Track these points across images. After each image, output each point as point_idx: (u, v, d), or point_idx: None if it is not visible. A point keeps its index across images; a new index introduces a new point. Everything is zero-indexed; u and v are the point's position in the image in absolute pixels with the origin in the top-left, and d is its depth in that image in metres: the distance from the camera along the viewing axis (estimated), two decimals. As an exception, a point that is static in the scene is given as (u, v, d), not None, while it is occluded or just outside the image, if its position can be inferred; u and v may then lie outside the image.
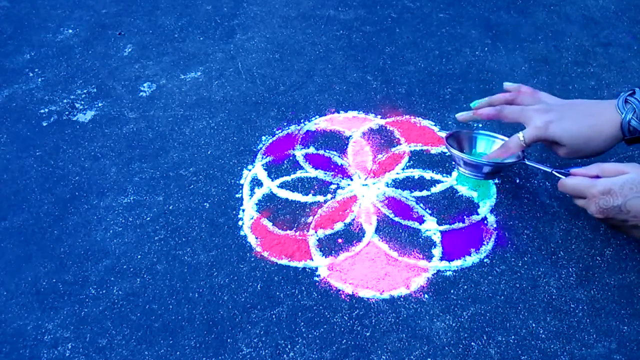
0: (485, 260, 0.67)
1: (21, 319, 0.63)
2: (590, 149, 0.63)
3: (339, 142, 0.84)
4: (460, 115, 0.72)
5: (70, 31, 1.13)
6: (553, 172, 0.65)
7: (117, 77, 0.99)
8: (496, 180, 0.76)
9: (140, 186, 0.78)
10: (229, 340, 0.60)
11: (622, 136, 0.62)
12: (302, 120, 0.88)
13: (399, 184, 0.77)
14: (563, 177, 0.63)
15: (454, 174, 0.77)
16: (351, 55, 1.01)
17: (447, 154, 0.80)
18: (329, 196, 0.75)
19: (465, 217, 0.72)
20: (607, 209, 0.56)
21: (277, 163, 0.80)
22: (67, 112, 0.92)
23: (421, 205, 0.73)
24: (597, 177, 0.59)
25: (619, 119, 0.61)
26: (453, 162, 0.76)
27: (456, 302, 0.63)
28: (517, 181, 0.76)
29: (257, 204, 0.75)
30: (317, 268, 0.67)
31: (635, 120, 0.60)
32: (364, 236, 0.70)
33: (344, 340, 0.60)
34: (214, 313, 0.63)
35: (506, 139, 0.69)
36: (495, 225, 0.70)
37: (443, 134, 0.84)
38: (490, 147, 0.73)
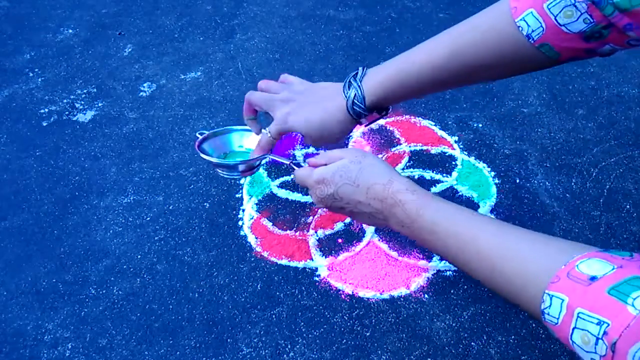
0: (485, 260, 0.67)
1: (21, 319, 0.63)
2: (327, 135, 0.61)
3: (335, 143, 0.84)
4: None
5: (71, 31, 1.13)
6: (290, 164, 0.63)
7: (117, 77, 0.99)
8: (495, 180, 0.76)
9: (140, 186, 0.78)
10: (229, 340, 0.60)
11: (352, 119, 0.60)
12: (302, 120, 0.87)
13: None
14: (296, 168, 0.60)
15: (454, 174, 0.77)
16: (351, 55, 1.01)
17: (446, 154, 0.80)
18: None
19: (465, 217, 0.71)
20: (323, 198, 0.55)
21: (277, 163, 0.80)
22: (67, 112, 0.92)
23: (421, 205, 0.73)
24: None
25: (345, 102, 0.59)
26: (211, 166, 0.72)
27: (456, 302, 0.63)
28: (517, 181, 0.76)
29: (257, 204, 0.75)
30: (317, 268, 0.67)
31: (357, 103, 0.58)
32: (364, 236, 0.70)
33: (344, 340, 0.60)
34: (214, 313, 0.63)
35: (265, 130, 0.65)
36: (495, 225, 0.70)
37: (445, 134, 0.84)
38: (245, 139, 0.70)
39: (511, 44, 0.50)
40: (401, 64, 0.57)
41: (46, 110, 0.93)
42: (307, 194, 0.76)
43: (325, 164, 0.56)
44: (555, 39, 0.48)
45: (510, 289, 0.42)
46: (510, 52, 0.51)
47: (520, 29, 0.49)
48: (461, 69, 0.54)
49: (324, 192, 0.55)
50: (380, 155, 0.81)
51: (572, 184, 0.75)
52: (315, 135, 0.61)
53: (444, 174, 0.77)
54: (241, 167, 0.66)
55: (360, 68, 0.59)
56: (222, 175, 0.67)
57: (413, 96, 0.60)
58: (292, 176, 0.60)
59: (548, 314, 0.38)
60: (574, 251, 0.39)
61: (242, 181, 0.78)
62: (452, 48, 0.54)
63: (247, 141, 0.70)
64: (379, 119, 0.61)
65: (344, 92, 0.59)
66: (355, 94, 0.58)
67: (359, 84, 0.58)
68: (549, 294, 0.37)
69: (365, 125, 0.63)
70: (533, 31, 0.48)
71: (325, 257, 0.68)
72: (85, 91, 0.97)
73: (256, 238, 0.70)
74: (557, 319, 0.37)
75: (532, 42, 0.49)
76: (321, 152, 0.64)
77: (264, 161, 0.66)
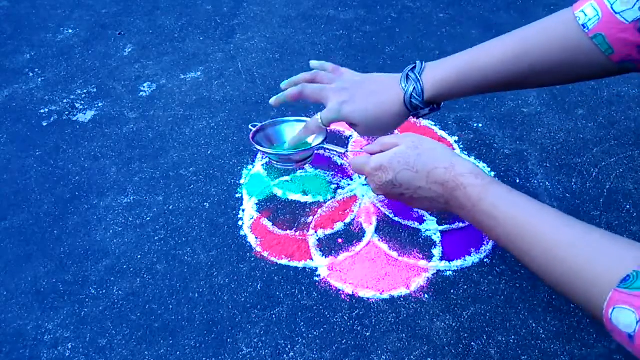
0: (485, 260, 0.67)
1: (21, 319, 0.63)
2: (383, 127, 0.62)
3: (339, 142, 0.84)
4: (273, 100, 0.68)
5: (70, 31, 1.13)
6: (347, 152, 0.65)
7: (117, 77, 0.99)
8: (494, 177, 0.76)
9: (140, 186, 0.78)
10: (229, 340, 0.60)
11: (408, 112, 0.61)
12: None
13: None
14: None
15: None
16: (351, 55, 1.01)
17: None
18: (329, 196, 0.75)
19: (465, 217, 0.72)
20: (382, 185, 0.55)
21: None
22: (67, 112, 0.92)
23: (421, 205, 0.73)
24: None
25: (402, 95, 0.60)
26: (266, 158, 0.74)
27: (456, 302, 0.63)
28: (517, 181, 0.76)
29: (257, 204, 0.75)
30: (317, 268, 0.67)
31: (416, 96, 0.59)
32: (364, 236, 0.70)
33: (344, 340, 0.60)
34: (214, 313, 0.63)
35: (316, 115, 0.66)
36: (495, 225, 0.70)
37: (445, 134, 0.84)
38: (297, 130, 0.69)
39: (568, 37, 0.51)
40: (464, 63, 0.58)
41: (46, 110, 0.93)
42: (306, 194, 0.76)
43: (381, 151, 0.56)
44: (610, 28, 0.48)
45: (571, 283, 0.41)
46: (568, 48, 0.51)
47: (578, 19, 0.50)
48: (523, 70, 0.55)
49: (382, 179, 0.55)
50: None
51: (572, 184, 0.75)
52: (369, 126, 0.62)
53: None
54: (296, 157, 0.67)
55: (418, 62, 0.60)
56: (276, 166, 0.69)
57: (470, 94, 0.60)
58: (347, 164, 0.60)
59: (616, 319, 0.37)
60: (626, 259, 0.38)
61: (241, 181, 0.78)
62: (516, 48, 0.55)
63: (288, 132, 0.71)
64: (432, 112, 0.62)
65: (401, 84, 0.60)
66: (414, 88, 0.59)
67: (419, 77, 0.58)
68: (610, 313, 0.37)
69: (418, 118, 0.63)
70: (589, 20, 0.49)
71: (325, 257, 0.68)
72: (85, 91, 0.97)
73: (256, 238, 0.70)
74: (634, 328, 0.36)
75: (587, 31, 0.49)
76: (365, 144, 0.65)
77: (321, 151, 0.67)
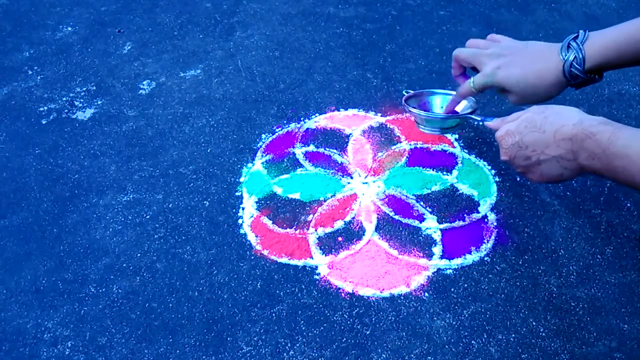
0: (485, 259, 0.67)
1: (21, 317, 0.63)
2: (538, 95, 0.61)
3: (339, 140, 0.83)
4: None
5: (70, 29, 1.13)
6: (485, 122, 0.64)
7: (116, 75, 0.99)
8: (496, 178, 0.76)
9: (140, 184, 0.78)
10: (228, 338, 0.60)
11: (566, 81, 0.60)
12: (302, 118, 0.87)
13: (399, 181, 0.76)
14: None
15: (455, 172, 0.77)
16: (351, 53, 1.01)
17: (446, 152, 0.80)
18: (329, 194, 0.75)
19: (465, 215, 0.71)
20: (508, 149, 0.57)
21: (277, 161, 0.80)
22: (66, 110, 0.92)
23: (421, 203, 0.73)
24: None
25: (562, 64, 0.59)
26: (415, 122, 0.77)
27: (456, 301, 0.62)
28: (518, 179, 0.76)
29: (257, 202, 0.75)
30: (317, 266, 0.67)
31: (576, 65, 0.58)
32: (364, 234, 0.70)
33: (344, 339, 0.59)
34: (213, 311, 0.63)
35: (470, 79, 0.67)
36: (495, 224, 0.70)
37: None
38: (446, 103, 0.74)
39: None
40: (630, 29, 0.57)
41: (45, 108, 0.93)
42: (306, 192, 0.75)
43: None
44: None
45: None
46: None
47: None
48: None
49: (508, 142, 0.56)
50: (380, 154, 0.80)
51: (573, 182, 0.75)
52: (523, 94, 0.61)
53: (444, 172, 0.77)
54: (450, 123, 0.71)
55: (581, 31, 0.59)
56: (423, 129, 0.74)
57: (635, 64, 0.59)
58: None
59: None
60: None
61: (241, 179, 0.78)
62: None
63: (436, 102, 0.76)
64: (594, 82, 0.61)
65: (561, 54, 0.59)
66: (575, 57, 0.58)
67: (581, 46, 0.58)
68: None
69: (576, 89, 0.62)
70: None
71: (325, 255, 0.68)
72: (84, 89, 0.96)
73: (256, 236, 0.70)
74: None
75: None
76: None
77: (470, 119, 0.70)
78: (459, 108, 0.73)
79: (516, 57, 0.62)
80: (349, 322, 0.61)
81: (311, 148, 0.82)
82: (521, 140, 0.55)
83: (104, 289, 0.65)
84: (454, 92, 0.71)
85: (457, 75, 0.69)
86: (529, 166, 0.56)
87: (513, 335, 0.59)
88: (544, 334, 0.59)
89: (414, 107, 0.73)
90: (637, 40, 0.56)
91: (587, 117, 0.52)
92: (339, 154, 0.81)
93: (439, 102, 0.76)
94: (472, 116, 0.69)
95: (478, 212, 0.72)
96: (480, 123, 0.66)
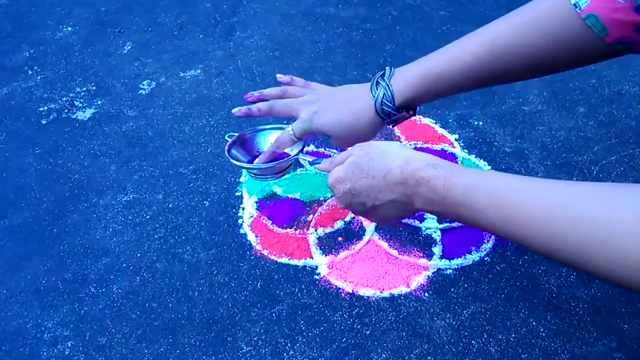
0: (485, 259, 0.67)
1: (21, 317, 0.63)
2: (356, 136, 0.60)
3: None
4: (237, 111, 0.64)
5: (70, 29, 1.13)
6: (315, 165, 0.60)
7: (116, 75, 0.99)
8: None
9: (140, 184, 0.78)
10: (228, 338, 0.60)
11: (380, 119, 0.59)
12: (302, 118, 0.87)
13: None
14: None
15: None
16: (351, 53, 1.01)
17: (446, 152, 0.80)
18: (329, 194, 0.75)
19: (465, 215, 0.71)
20: (342, 197, 0.53)
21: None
22: (66, 110, 0.92)
23: (421, 203, 0.73)
24: None
25: (373, 102, 0.58)
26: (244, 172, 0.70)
27: (456, 301, 0.62)
28: (518, 179, 0.76)
29: (257, 202, 0.75)
30: (317, 266, 0.67)
31: (387, 102, 0.57)
32: (364, 234, 0.70)
33: (344, 339, 0.59)
34: (213, 311, 0.63)
35: (288, 127, 0.63)
36: (495, 224, 0.70)
37: (445, 132, 0.83)
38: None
39: (556, 18, 0.48)
40: (432, 61, 0.56)
41: (45, 108, 0.93)
42: (306, 192, 0.75)
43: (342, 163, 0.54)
44: (603, 7, 0.45)
45: (586, 252, 0.36)
46: (556, 29, 0.49)
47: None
48: (502, 59, 0.52)
49: (340, 190, 0.53)
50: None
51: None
52: (342, 136, 0.60)
53: (444, 172, 0.77)
54: (272, 171, 0.64)
55: (387, 68, 0.59)
56: (253, 178, 0.66)
57: (445, 94, 0.58)
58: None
59: None
60: None
61: (241, 179, 0.78)
62: (494, 36, 0.53)
63: (267, 141, 0.67)
64: (407, 118, 0.60)
65: (371, 92, 0.58)
66: (384, 94, 0.57)
67: (388, 83, 0.57)
68: None
69: (393, 126, 0.61)
70: (581, 0, 0.46)
71: (325, 255, 0.68)
72: (84, 89, 0.96)
73: (256, 236, 0.70)
74: None
75: (579, 11, 0.47)
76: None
77: (296, 160, 0.64)
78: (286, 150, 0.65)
79: (331, 101, 0.61)
80: (349, 322, 0.61)
81: (311, 148, 0.82)
82: (353, 187, 0.51)
83: (104, 289, 0.65)
84: (283, 126, 0.65)
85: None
86: (367, 211, 0.53)
87: (513, 335, 0.59)
88: (544, 334, 0.59)
89: (238, 159, 0.64)
90: (437, 73, 0.55)
91: (412, 155, 0.49)
92: (339, 154, 0.81)
93: (270, 140, 0.66)
94: (300, 158, 0.63)
95: (478, 212, 0.72)
96: (312, 165, 0.60)
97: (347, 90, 0.62)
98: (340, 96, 0.61)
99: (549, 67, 0.55)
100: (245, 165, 0.64)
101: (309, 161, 0.61)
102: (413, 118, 0.86)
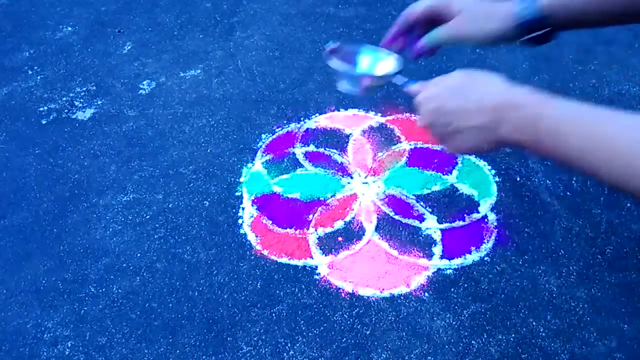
0: (485, 259, 0.67)
1: (21, 317, 0.63)
2: (484, 27, 0.58)
3: (339, 140, 0.83)
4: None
5: (70, 29, 1.13)
6: (406, 85, 0.59)
7: (116, 75, 0.99)
8: (496, 178, 0.76)
9: (140, 184, 0.78)
10: (228, 338, 0.60)
11: (514, 26, 0.57)
12: (302, 118, 0.87)
13: (399, 181, 0.76)
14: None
15: (455, 172, 0.77)
16: (351, 53, 1.01)
17: (447, 152, 0.80)
18: (329, 194, 0.75)
19: (465, 215, 0.71)
20: (428, 114, 0.53)
21: (277, 161, 0.80)
22: (66, 110, 0.92)
23: (421, 203, 0.73)
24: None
25: (516, 8, 0.57)
26: (335, 78, 0.67)
27: (456, 301, 0.62)
28: (518, 179, 0.76)
29: (256, 202, 0.75)
30: (317, 266, 0.67)
31: (528, 7, 0.56)
32: (364, 234, 0.70)
33: (344, 339, 0.59)
34: (213, 311, 0.63)
35: (391, 54, 0.64)
36: (495, 224, 0.70)
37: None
38: (374, 64, 0.65)
39: None
40: None
41: (45, 108, 0.93)
42: (306, 192, 0.75)
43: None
44: None
45: None
46: None
47: None
48: None
49: (429, 107, 0.53)
50: (380, 154, 0.80)
51: (573, 182, 0.75)
52: (472, 19, 0.58)
53: (445, 172, 0.77)
54: (367, 82, 0.63)
55: None
56: (343, 89, 0.64)
57: (592, 23, 0.57)
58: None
59: None
60: None
61: (241, 179, 0.78)
62: None
63: (381, 65, 0.65)
64: (540, 42, 0.58)
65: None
66: (529, 2, 0.55)
67: None
68: None
69: (525, 44, 0.59)
70: None
71: (325, 255, 0.68)
72: (84, 89, 0.96)
73: (256, 236, 0.70)
74: None
75: None
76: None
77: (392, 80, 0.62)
78: (384, 68, 0.65)
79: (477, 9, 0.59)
80: (349, 322, 0.61)
81: (311, 148, 0.82)
82: (443, 106, 0.52)
83: (103, 289, 0.65)
84: (387, 51, 0.65)
85: (395, 37, 0.64)
86: (448, 134, 0.53)
87: (513, 335, 0.59)
88: (544, 334, 0.59)
89: (335, 60, 0.63)
90: None
91: (513, 85, 0.49)
92: (339, 154, 0.81)
93: (368, 61, 0.66)
94: (393, 79, 0.62)
95: (478, 212, 0.72)
96: (401, 87, 0.60)
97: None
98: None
99: None
100: (341, 69, 0.62)
101: (401, 83, 0.60)
102: (413, 118, 0.86)
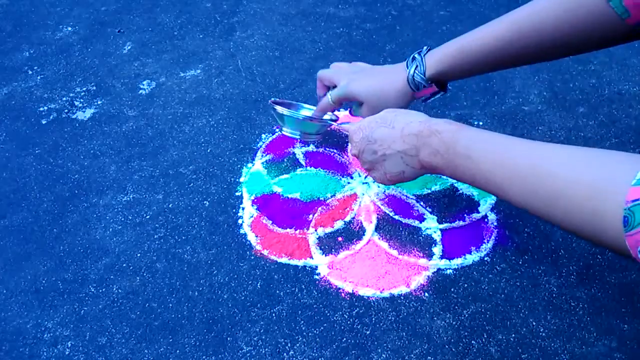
0: (485, 259, 0.67)
1: (21, 317, 0.63)
2: (386, 104, 0.65)
3: (339, 140, 0.83)
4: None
5: (70, 29, 1.13)
6: (342, 127, 0.72)
7: (116, 75, 0.99)
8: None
9: (140, 184, 0.78)
10: (228, 338, 0.60)
11: (411, 91, 0.64)
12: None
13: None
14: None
15: None
16: (351, 53, 1.01)
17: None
18: (329, 194, 0.75)
19: (465, 215, 0.71)
20: (358, 142, 0.60)
21: (277, 161, 0.80)
22: (66, 110, 0.92)
23: (421, 203, 0.73)
24: None
25: (407, 74, 0.64)
26: (279, 125, 0.79)
27: (456, 301, 0.62)
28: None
29: (256, 202, 0.75)
30: (317, 266, 0.67)
31: (419, 74, 0.62)
32: (364, 234, 0.70)
33: (344, 339, 0.59)
34: (213, 311, 0.63)
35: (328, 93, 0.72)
36: (495, 224, 0.70)
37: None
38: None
39: (580, 1, 0.51)
40: (463, 40, 0.61)
41: (45, 108, 0.93)
42: (306, 192, 0.75)
43: None
44: None
45: (578, 214, 0.38)
46: (580, 10, 0.51)
47: None
48: (528, 39, 0.56)
49: (359, 136, 0.60)
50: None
51: (573, 182, 0.75)
52: (373, 102, 0.65)
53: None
54: (309, 127, 0.74)
55: (425, 47, 0.65)
56: (286, 133, 0.75)
57: (475, 72, 0.62)
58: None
59: (634, 229, 0.34)
60: (635, 163, 0.36)
61: (241, 179, 0.78)
62: (518, 18, 0.56)
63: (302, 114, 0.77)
64: (436, 94, 0.65)
65: (406, 65, 0.64)
66: (417, 66, 0.63)
67: (422, 57, 0.63)
68: (629, 209, 0.34)
69: (423, 101, 0.66)
70: None
71: (325, 255, 0.68)
72: (84, 89, 0.96)
73: (256, 236, 0.70)
74: None
75: None
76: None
77: (330, 127, 0.76)
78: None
79: (369, 72, 0.68)
80: (349, 322, 0.61)
81: (311, 148, 0.82)
82: (370, 134, 0.58)
83: (104, 289, 0.65)
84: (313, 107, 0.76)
85: (321, 94, 0.73)
86: (375, 162, 0.59)
87: (513, 335, 0.59)
88: (544, 334, 0.59)
89: (279, 107, 0.73)
90: (469, 50, 0.60)
91: (434, 118, 0.55)
92: (339, 154, 0.81)
93: (307, 113, 0.79)
94: (329, 121, 0.75)
95: (478, 212, 0.72)
96: (337, 127, 0.74)
97: (386, 67, 0.69)
98: (378, 69, 0.69)
99: (573, 48, 0.57)
100: (287, 112, 0.72)
101: (337, 124, 0.74)
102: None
